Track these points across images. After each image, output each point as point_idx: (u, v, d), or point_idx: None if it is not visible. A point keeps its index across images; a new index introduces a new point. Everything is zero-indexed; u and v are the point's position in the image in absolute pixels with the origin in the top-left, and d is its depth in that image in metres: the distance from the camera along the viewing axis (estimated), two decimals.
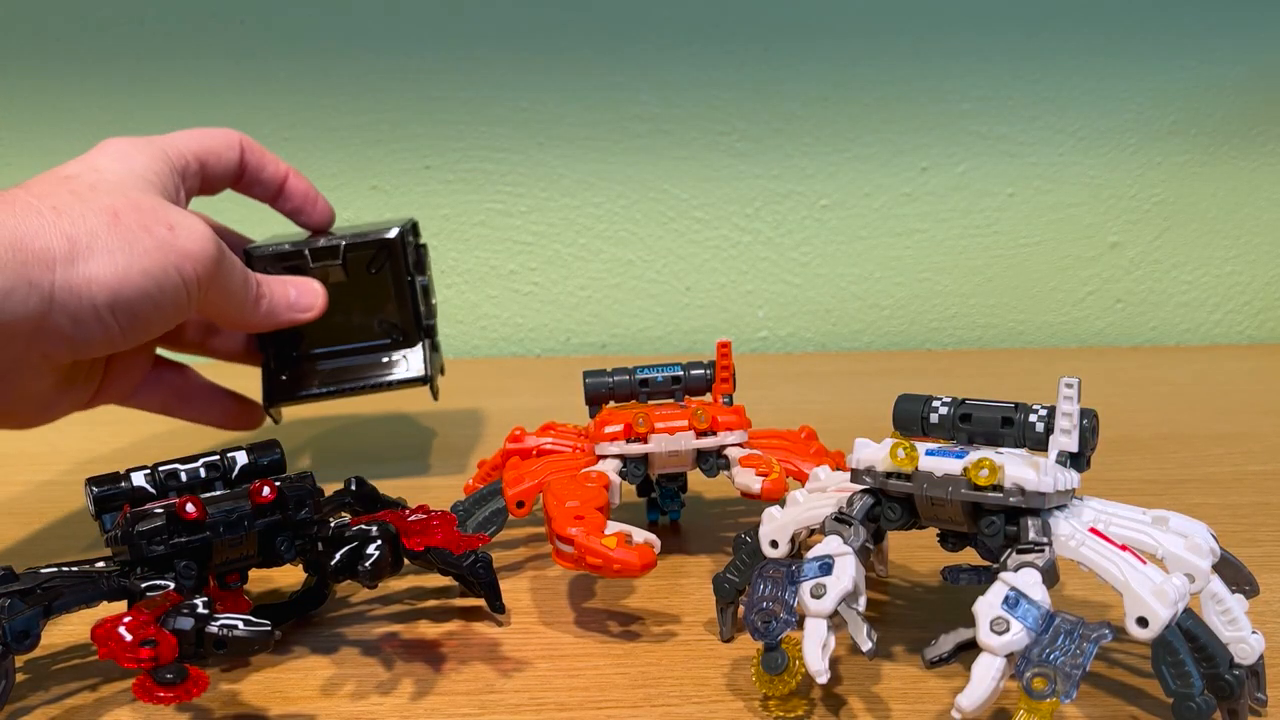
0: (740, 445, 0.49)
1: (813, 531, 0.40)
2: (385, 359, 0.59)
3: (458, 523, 0.41)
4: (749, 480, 0.45)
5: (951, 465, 0.36)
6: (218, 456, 0.43)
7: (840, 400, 0.80)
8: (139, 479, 0.41)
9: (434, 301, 0.62)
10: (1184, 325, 1.01)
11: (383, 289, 0.58)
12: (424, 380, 0.59)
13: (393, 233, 0.58)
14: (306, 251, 0.57)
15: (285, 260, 0.57)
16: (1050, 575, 0.34)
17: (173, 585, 0.38)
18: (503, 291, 0.99)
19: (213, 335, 0.58)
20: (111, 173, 0.47)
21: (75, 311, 0.43)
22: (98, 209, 0.44)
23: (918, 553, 0.49)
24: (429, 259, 0.63)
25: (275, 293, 0.53)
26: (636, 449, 0.48)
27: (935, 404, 0.39)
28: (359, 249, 0.57)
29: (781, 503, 0.41)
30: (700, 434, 0.48)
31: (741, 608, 0.40)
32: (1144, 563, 0.33)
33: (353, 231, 0.59)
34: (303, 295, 0.54)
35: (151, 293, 0.44)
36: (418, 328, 0.59)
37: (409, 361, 0.59)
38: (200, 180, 0.53)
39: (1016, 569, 0.33)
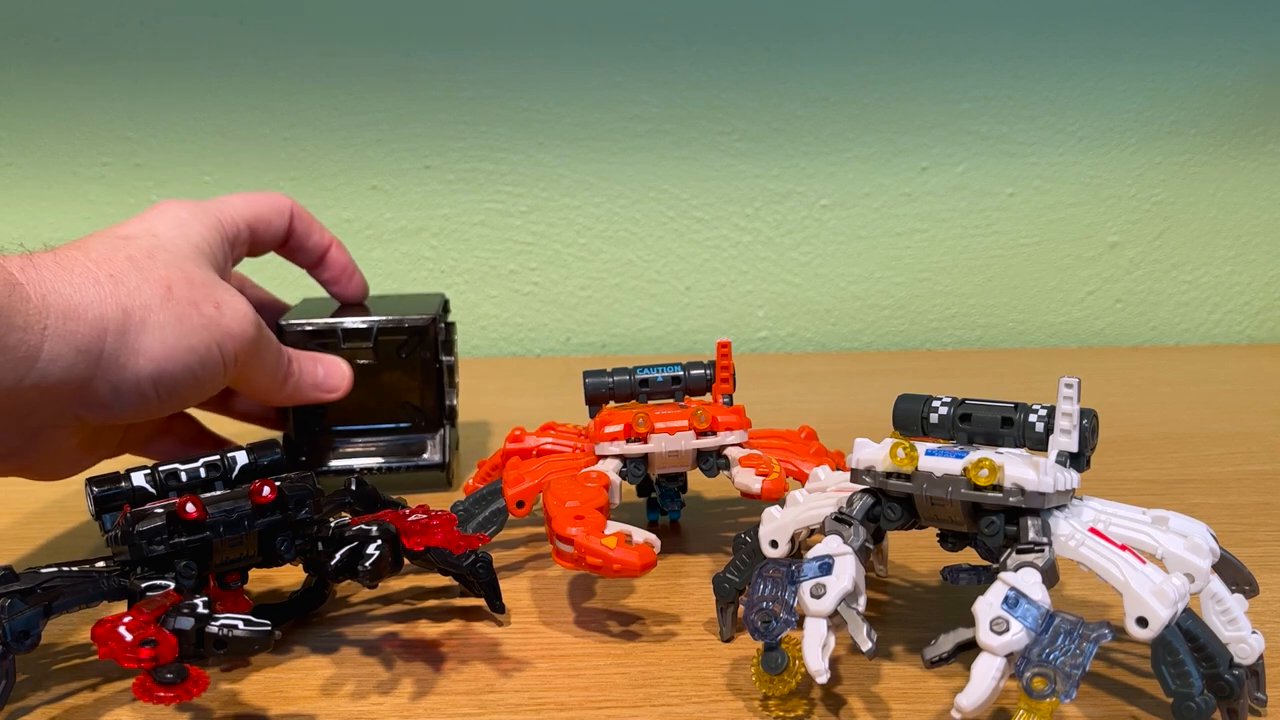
0: (740, 445, 0.49)
1: (813, 531, 0.40)
2: (405, 442, 0.59)
3: (458, 523, 0.41)
4: (749, 480, 0.45)
5: (951, 465, 0.36)
6: (218, 456, 0.43)
7: (840, 400, 0.80)
8: (139, 479, 0.42)
9: (457, 380, 0.63)
10: (1184, 325, 1.01)
11: (410, 372, 0.59)
12: (440, 467, 0.59)
13: (425, 319, 0.58)
14: (339, 331, 0.57)
15: (317, 338, 0.57)
16: (1050, 575, 0.34)
17: (173, 585, 0.38)
18: (503, 291, 0.99)
19: (234, 398, 0.59)
20: (169, 240, 0.47)
21: (118, 382, 0.43)
22: (153, 280, 0.44)
23: (918, 553, 0.49)
24: (455, 336, 0.63)
25: (304, 370, 0.54)
26: (636, 449, 0.48)
27: (935, 404, 0.39)
28: (391, 333, 0.58)
29: (781, 503, 0.41)
30: (700, 434, 0.48)
31: (741, 608, 0.40)
32: (1144, 563, 0.33)
33: (387, 306, 0.59)
34: (330, 376, 0.55)
35: (194, 369, 0.45)
36: (440, 412, 0.60)
37: (429, 447, 0.59)
38: (249, 246, 0.54)
39: (1016, 569, 0.33)
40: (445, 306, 0.63)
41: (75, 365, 0.41)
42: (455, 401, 0.62)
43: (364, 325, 0.58)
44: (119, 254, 0.44)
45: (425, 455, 0.59)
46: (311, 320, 0.58)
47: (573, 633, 0.43)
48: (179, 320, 0.44)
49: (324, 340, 0.57)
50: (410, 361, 0.59)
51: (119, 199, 0.95)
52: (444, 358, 0.60)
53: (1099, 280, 1.00)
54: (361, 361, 0.58)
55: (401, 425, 0.59)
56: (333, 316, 0.58)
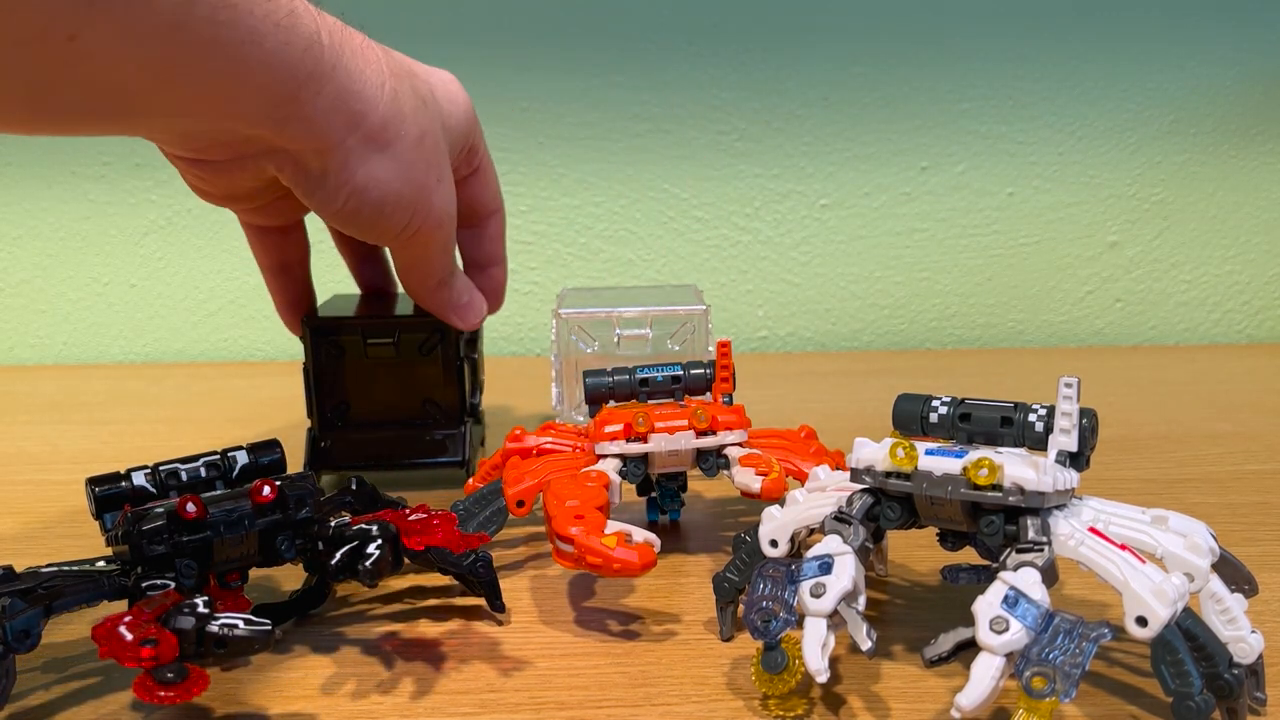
0: (740, 445, 0.49)
1: (812, 531, 0.40)
2: (426, 438, 0.59)
3: (458, 522, 0.41)
4: (749, 480, 0.45)
5: (951, 465, 0.36)
6: (218, 456, 0.43)
7: (840, 400, 0.80)
8: (139, 479, 0.41)
9: (481, 377, 0.62)
10: (1183, 325, 1.01)
11: (432, 369, 0.58)
12: (461, 464, 0.59)
13: None
14: (362, 327, 0.57)
15: (339, 332, 0.57)
16: (1049, 574, 0.34)
17: (173, 585, 0.38)
18: None
19: (370, 261, 0.61)
20: (445, 109, 0.51)
21: (332, 171, 0.45)
22: (416, 125, 0.47)
23: (918, 553, 0.49)
24: (482, 333, 0.63)
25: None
26: (636, 448, 0.48)
27: (935, 403, 0.39)
28: (413, 329, 0.58)
29: (781, 502, 0.41)
30: (700, 433, 0.48)
31: (741, 607, 0.40)
32: (1143, 562, 0.33)
33: (409, 302, 0.59)
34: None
35: (386, 202, 0.47)
36: (462, 409, 0.59)
37: (450, 444, 0.59)
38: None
39: (1016, 568, 0.34)
40: None
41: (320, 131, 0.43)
42: (479, 398, 0.61)
43: (386, 321, 0.58)
44: (406, 85, 0.47)
45: (447, 453, 0.59)
46: (334, 315, 0.58)
47: (573, 632, 0.43)
48: (407, 167, 0.46)
49: (345, 336, 0.57)
50: (432, 358, 0.58)
51: (119, 199, 0.95)
52: (469, 355, 0.60)
53: (1098, 280, 1.00)
54: (383, 358, 0.58)
55: (423, 422, 0.59)
56: (356, 312, 0.58)
